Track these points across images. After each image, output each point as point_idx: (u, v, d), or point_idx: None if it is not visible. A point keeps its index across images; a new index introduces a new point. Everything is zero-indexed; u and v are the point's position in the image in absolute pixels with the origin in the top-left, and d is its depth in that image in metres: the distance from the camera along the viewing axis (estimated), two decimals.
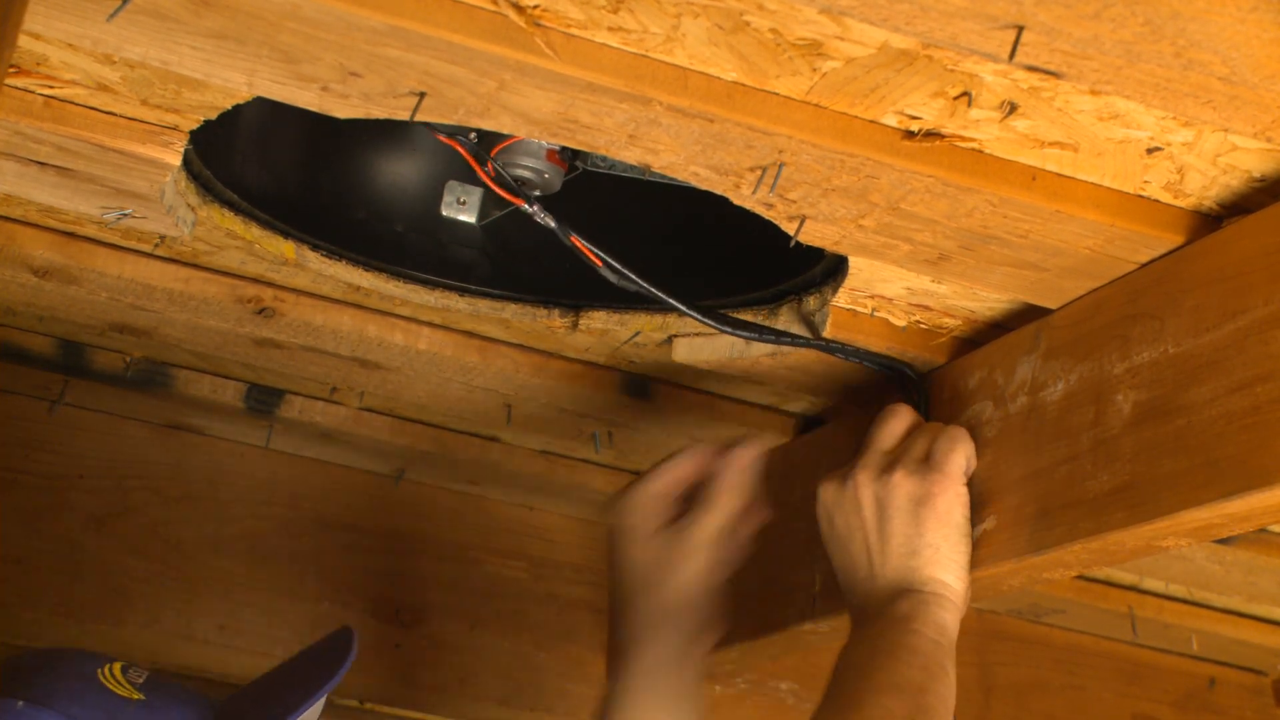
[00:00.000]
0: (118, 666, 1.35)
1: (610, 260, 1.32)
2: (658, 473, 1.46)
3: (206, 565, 1.87)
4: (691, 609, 1.41)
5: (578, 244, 1.31)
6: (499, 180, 1.28)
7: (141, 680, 1.35)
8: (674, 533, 1.43)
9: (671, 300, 1.35)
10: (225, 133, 1.29)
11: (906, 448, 1.35)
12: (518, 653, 1.93)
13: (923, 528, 1.31)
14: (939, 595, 1.30)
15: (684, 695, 1.39)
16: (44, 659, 1.37)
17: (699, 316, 1.36)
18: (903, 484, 1.31)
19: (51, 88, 1.16)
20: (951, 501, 1.31)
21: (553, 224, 1.29)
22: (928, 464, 1.32)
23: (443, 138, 1.26)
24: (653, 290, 1.33)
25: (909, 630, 1.27)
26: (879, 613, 1.30)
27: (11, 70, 1.12)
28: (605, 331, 1.48)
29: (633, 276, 1.32)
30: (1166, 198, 1.14)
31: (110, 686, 1.32)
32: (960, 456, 1.32)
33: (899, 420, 1.38)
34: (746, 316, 1.42)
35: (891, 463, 1.34)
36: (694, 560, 1.41)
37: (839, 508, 1.35)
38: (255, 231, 1.36)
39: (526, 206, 1.29)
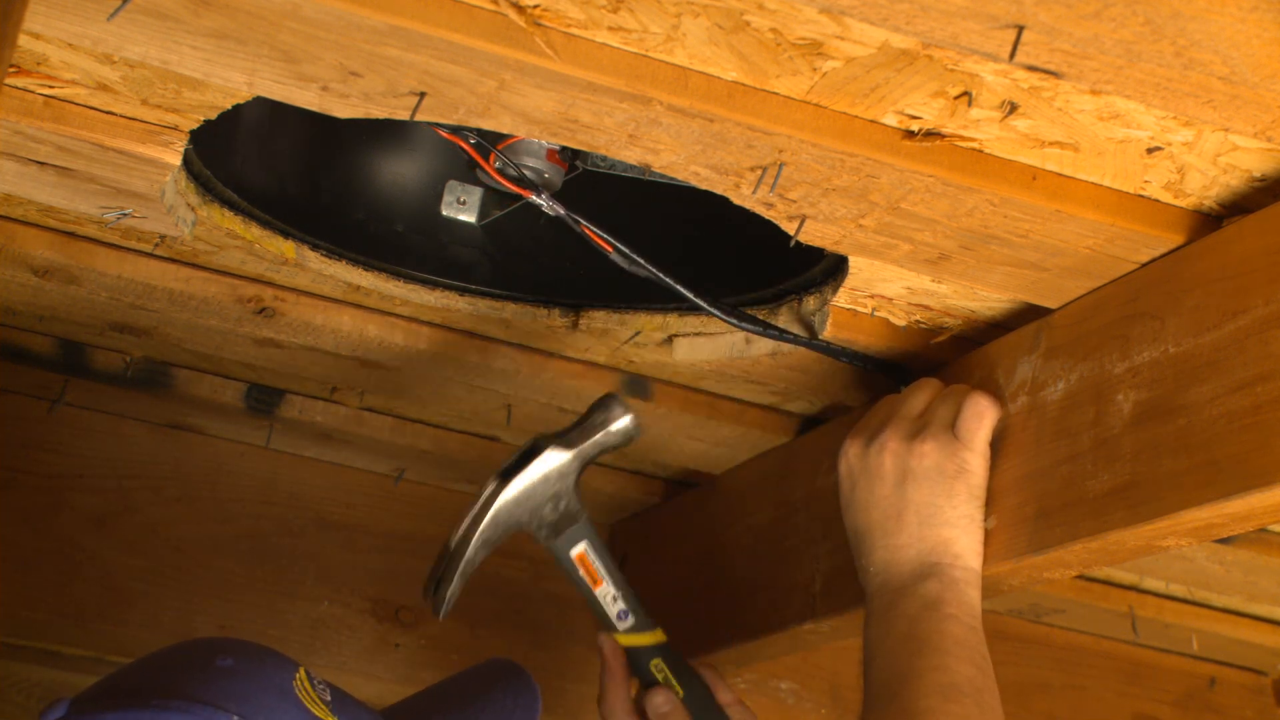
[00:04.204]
0: (304, 675, 1.32)
1: (620, 245, 1.32)
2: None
3: (206, 565, 1.87)
4: None
5: (587, 230, 1.31)
6: (505, 174, 1.28)
7: (329, 698, 1.32)
8: None
9: (680, 288, 1.34)
10: (225, 133, 1.29)
11: (934, 412, 1.32)
12: (518, 653, 1.93)
13: (955, 500, 1.28)
14: (969, 569, 1.27)
15: None
16: (237, 659, 1.30)
17: (706, 306, 1.35)
18: (931, 453, 1.29)
19: (51, 87, 1.15)
20: (983, 478, 1.29)
21: (562, 211, 1.29)
22: (956, 436, 1.29)
23: (446, 134, 1.26)
24: (661, 276, 1.33)
25: (946, 616, 1.24)
26: (903, 590, 1.27)
27: (11, 70, 1.12)
28: (605, 331, 1.47)
29: (642, 261, 1.32)
30: (1167, 197, 1.14)
31: (307, 704, 1.29)
32: (986, 430, 1.30)
33: (928, 390, 1.36)
34: None
35: (920, 429, 1.31)
36: None
37: (863, 472, 1.33)
38: (255, 231, 1.36)
39: (535, 196, 1.28)
